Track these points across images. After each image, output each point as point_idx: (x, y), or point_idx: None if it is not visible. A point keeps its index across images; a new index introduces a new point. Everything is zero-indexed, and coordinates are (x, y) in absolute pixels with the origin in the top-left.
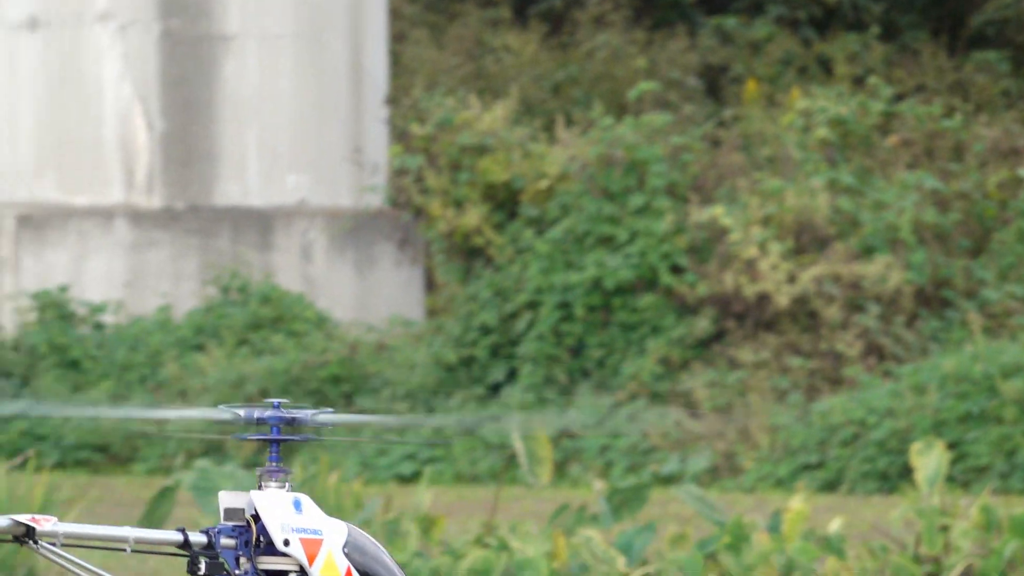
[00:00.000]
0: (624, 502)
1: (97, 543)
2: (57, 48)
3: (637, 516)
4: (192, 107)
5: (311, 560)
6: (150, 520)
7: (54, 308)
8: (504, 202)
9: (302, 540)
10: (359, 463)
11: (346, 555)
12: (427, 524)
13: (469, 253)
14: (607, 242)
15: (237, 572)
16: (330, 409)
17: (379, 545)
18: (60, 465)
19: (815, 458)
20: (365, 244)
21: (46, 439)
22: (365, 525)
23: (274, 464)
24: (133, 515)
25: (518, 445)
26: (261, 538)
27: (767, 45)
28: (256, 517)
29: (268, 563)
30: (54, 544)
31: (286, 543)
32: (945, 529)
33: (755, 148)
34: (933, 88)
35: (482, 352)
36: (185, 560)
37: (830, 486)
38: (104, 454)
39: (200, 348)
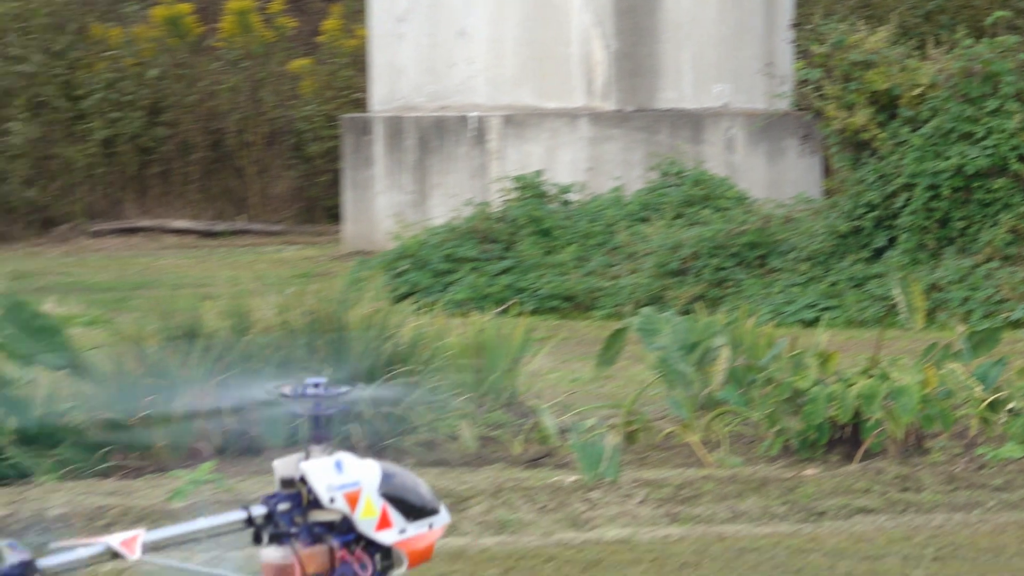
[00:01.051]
0: (981, 342)
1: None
2: None
3: (991, 353)
4: (639, 31)
5: (353, 508)
6: (606, 353)
7: (531, 188)
8: (885, 105)
9: (345, 495)
10: (771, 310)
11: (382, 495)
12: (824, 359)
13: (857, 146)
14: (967, 137)
15: (293, 529)
16: (362, 384)
17: (415, 476)
18: (536, 311)
19: None
20: (775, 139)
21: (526, 291)
22: (775, 360)
23: (319, 433)
24: (592, 350)
25: (898, 296)
26: (311, 498)
27: None
28: (304, 480)
29: (318, 516)
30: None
31: (331, 500)
32: None
33: None
34: None
35: (867, 224)
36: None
37: None
38: (570, 303)
39: (645, 220)
